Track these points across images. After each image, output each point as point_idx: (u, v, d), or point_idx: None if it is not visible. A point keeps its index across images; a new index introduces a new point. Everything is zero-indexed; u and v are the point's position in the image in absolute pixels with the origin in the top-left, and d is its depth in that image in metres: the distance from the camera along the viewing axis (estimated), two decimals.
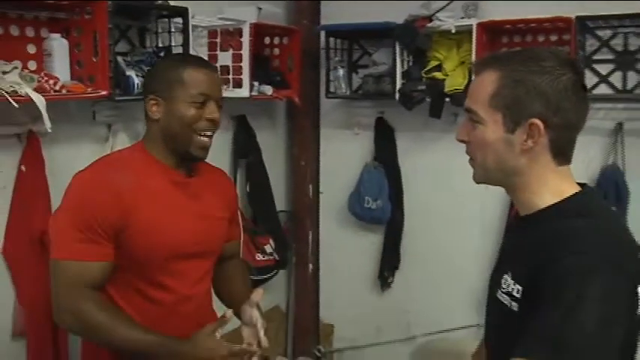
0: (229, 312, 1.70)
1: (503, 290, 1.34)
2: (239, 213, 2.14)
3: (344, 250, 3.67)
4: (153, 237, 1.71)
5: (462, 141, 1.43)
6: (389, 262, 3.52)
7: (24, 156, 2.29)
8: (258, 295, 1.83)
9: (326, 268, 3.77)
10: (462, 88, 2.94)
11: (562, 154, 1.35)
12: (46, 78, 2.19)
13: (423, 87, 3.05)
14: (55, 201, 2.36)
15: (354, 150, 3.54)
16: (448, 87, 3.00)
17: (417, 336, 3.37)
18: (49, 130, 2.12)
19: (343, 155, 3.58)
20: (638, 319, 1.27)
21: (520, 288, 1.30)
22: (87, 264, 1.66)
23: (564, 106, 1.31)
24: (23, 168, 2.29)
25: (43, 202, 2.34)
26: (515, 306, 1.31)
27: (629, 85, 2.82)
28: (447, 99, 3.02)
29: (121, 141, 2.60)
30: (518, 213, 1.44)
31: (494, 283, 1.40)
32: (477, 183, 1.47)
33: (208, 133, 1.78)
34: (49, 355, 2.38)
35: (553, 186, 1.36)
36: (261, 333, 1.78)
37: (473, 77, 1.47)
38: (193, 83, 1.74)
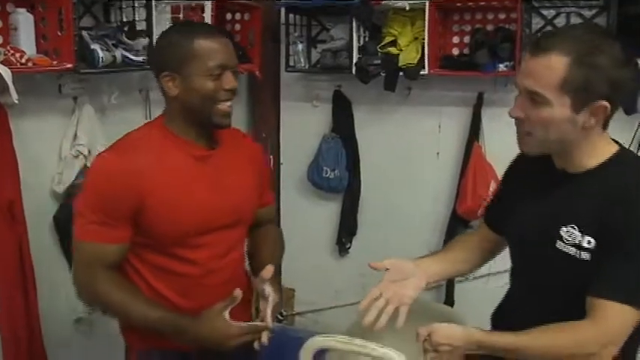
0: (238, 291, 1.63)
1: (568, 242, 1.47)
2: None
3: (304, 218, 3.77)
4: (171, 216, 1.66)
5: (517, 118, 1.49)
6: (346, 229, 3.65)
7: None
8: (268, 272, 1.74)
9: (287, 235, 3.79)
10: (415, 62, 3.07)
11: (608, 123, 1.49)
12: (12, 51, 2.24)
13: (379, 61, 3.15)
14: (24, 171, 2.44)
15: (312, 122, 3.63)
16: (402, 61, 3.10)
17: None
18: (16, 102, 2.16)
19: (302, 127, 3.67)
20: None
21: (591, 239, 1.44)
22: (102, 246, 1.64)
23: (624, 84, 1.43)
24: None
25: (12, 172, 2.40)
26: (585, 256, 1.44)
27: None
28: (401, 73, 3.12)
29: (87, 113, 2.67)
30: (557, 170, 1.55)
31: (548, 236, 1.51)
32: (529, 153, 1.56)
33: (228, 103, 1.72)
34: (20, 321, 2.47)
35: (600, 148, 1.50)
36: (268, 310, 1.70)
37: (530, 58, 1.45)
38: (207, 56, 1.65)
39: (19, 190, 2.42)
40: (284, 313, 3.90)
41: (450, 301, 3.38)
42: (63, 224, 2.65)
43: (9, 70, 2.13)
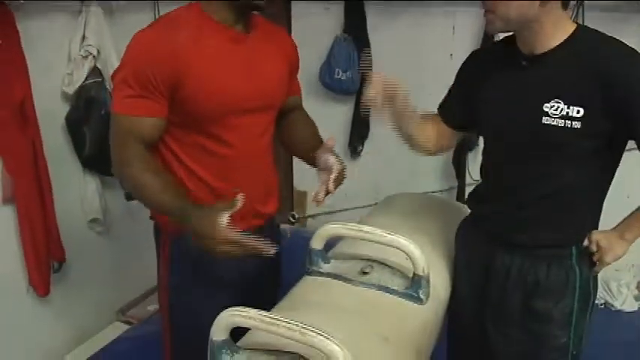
0: (241, 196, 1.58)
1: (555, 115, 1.55)
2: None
3: (315, 121, 3.75)
4: (209, 92, 1.68)
5: None
6: (358, 132, 3.65)
7: None
8: (332, 140, 1.82)
9: None
10: None
11: (567, 3, 1.57)
12: None
13: None
14: (33, 73, 2.44)
15: (324, 23, 3.56)
16: None
17: None
18: (22, 0, 2.15)
19: (314, 28, 3.60)
20: None
21: (580, 109, 1.52)
22: (138, 119, 1.66)
23: None
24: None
25: (22, 72, 2.40)
26: (577, 124, 1.53)
27: None
28: None
29: (95, 13, 2.63)
30: (523, 54, 1.62)
31: (531, 115, 1.59)
32: (493, 32, 1.68)
33: None
34: (37, 219, 2.53)
35: (562, 26, 1.58)
36: (332, 176, 1.76)
37: None
38: None
39: (30, 90, 2.43)
40: (296, 216, 3.96)
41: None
42: (75, 125, 2.66)
43: None
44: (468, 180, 3.41)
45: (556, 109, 1.55)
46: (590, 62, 1.52)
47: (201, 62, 1.66)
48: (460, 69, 1.89)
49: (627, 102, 1.49)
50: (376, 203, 3.55)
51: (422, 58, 3.37)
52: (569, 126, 1.54)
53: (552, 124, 1.56)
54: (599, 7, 2.88)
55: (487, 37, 3.13)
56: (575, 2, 2.89)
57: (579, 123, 1.53)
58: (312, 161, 1.88)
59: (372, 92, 1.71)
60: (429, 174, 3.51)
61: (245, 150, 1.79)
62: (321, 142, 1.93)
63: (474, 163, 3.35)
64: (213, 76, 1.68)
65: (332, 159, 1.77)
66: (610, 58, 1.52)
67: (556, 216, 1.67)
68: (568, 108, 1.54)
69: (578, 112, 1.53)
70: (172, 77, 1.64)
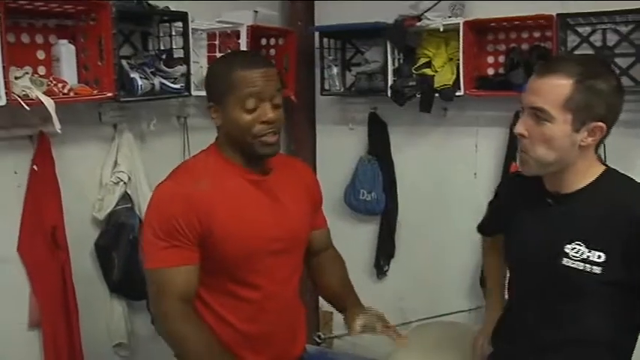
0: None
1: (575, 258, 1.55)
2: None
3: (341, 241, 3.66)
4: (234, 237, 1.67)
5: (520, 135, 1.59)
6: (384, 251, 3.62)
7: (36, 156, 2.39)
8: (402, 340, 1.87)
9: None
10: (451, 83, 3.06)
11: (600, 144, 1.59)
12: (54, 82, 2.29)
13: (414, 83, 3.14)
14: (66, 198, 2.49)
15: (348, 144, 3.63)
16: (437, 83, 3.09)
17: (412, 321, 3.44)
18: (59, 131, 2.22)
19: (338, 150, 3.68)
20: None
21: (601, 254, 1.52)
22: (171, 270, 1.64)
23: (618, 109, 1.55)
24: (35, 167, 2.39)
25: (55, 199, 2.45)
26: (597, 269, 1.52)
27: None
28: (437, 94, 3.11)
29: (127, 140, 2.72)
30: (550, 191, 1.64)
31: (551, 254, 1.59)
32: (528, 174, 1.65)
33: (270, 135, 1.68)
34: (62, 344, 2.50)
35: (592, 168, 1.60)
36: (391, 327, 1.88)
37: (537, 78, 1.58)
38: (241, 87, 1.63)
39: (62, 217, 2.47)
40: (322, 336, 3.88)
41: None
42: (103, 250, 2.68)
43: (52, 102, 2.18)
44: None
45: (577, 252, 1.55)
46: (614, 207, 1.53)
47: (225, 207, 1.67)
48: (498, 186, 2.00)
49: None
50: (403, 323, 3.51)
51: (445, 178, 3.40)
52: (588, 270, 1.52)
53: (572, 266, 1.55)
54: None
55: (509, 156, 3.16)
56: None
57: (599, 268, 1.51)
58: (341, 310, 1.94)
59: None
60: (456, 293, 3.44)
61: (272, 292, 1.78)
62: (350, 286, 2.00)
63: None
64: (237, 220, 1.68)
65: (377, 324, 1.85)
66: (635, 205, 1.53)
67: None
68: (589, 252, 1.53)
69: (599, 257, 1.52)
70: (199, 226, 1.64)
